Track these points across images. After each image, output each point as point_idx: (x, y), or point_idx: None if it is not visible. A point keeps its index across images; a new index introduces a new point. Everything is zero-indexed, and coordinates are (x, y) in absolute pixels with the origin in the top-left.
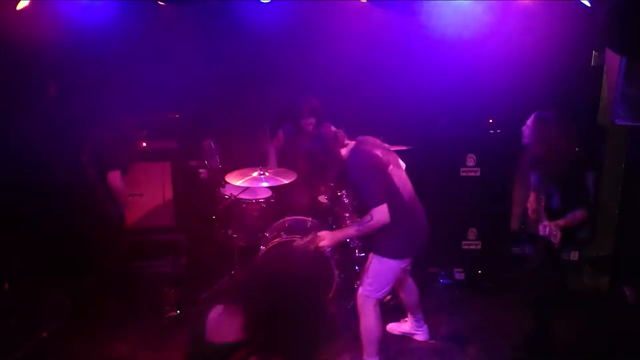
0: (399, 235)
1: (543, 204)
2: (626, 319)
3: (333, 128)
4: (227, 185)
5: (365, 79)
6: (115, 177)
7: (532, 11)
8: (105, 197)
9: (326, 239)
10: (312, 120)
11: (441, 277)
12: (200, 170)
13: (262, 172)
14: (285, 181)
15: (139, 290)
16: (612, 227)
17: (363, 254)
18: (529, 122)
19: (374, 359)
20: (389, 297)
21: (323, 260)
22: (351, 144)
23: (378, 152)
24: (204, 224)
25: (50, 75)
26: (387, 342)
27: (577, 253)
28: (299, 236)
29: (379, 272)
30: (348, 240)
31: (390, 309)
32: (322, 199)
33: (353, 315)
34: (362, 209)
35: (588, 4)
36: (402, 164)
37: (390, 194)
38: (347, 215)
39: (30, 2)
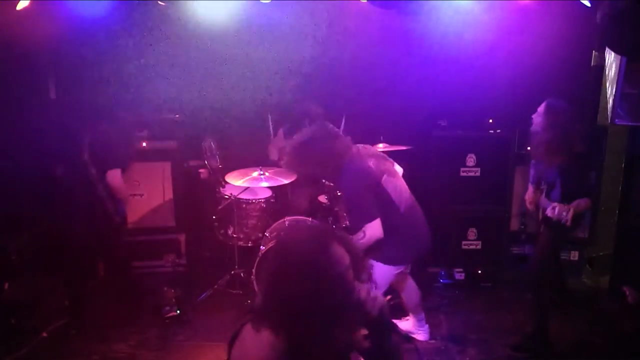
0: (396, 244)
1: (543, 194)
2: (626, 319)
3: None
4: (227, 185)
5: (365, 79)
6: (115, 176)
7: (532, 11)
8: (106, 195)
9: None
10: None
11: (441, 277)
12: (200, 170)
13: (262, 172)
14: (285, 181)
15: (139, 290)
16: (612, 227)
17: None
18: (540, 109)
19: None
20: (389, 297)
21: None
22: (344, 159)
23: (371, 164)
24: (204, 224)
25: (50, 75)
26: None
27: (577, 253)
28: None
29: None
30: None
31: (391, 309)
32: (322, 199)
33: None
34: (352, 227)
35: (588, 4)
36: (400, 170)
37: (384, 207)
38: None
39: (30, 2)
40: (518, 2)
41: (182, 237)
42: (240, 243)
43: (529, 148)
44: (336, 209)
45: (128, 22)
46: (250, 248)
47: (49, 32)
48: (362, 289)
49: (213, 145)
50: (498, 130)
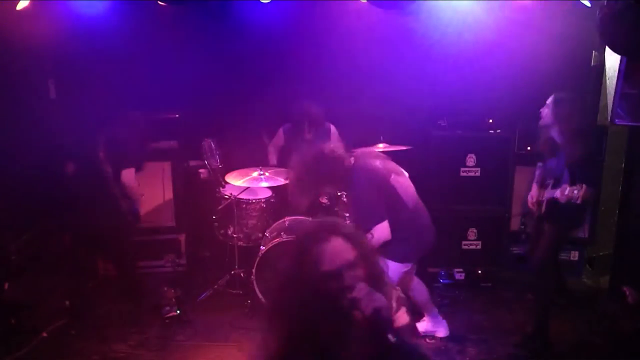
0: (405, 242)
1: (549, 188)
2: (626, 319)
3: (333, 128)
4: (227, 185)
5: (365, 79)
6: (129, 175)
7: (532, 11)
8: (120, 194)
9: None
10: (312, 129)
11: (441, 277)
12: (200, 170)
13: (262, 172)
14: (285, 181)
15: (140, 290)
16: (612, 227)
17: None
18: (549, 101)
19: None
20: (400, 294)
21: None
22: (350, 161)
23: (378, 164)
24: (204, 224)
25: (50, 75)
26: None
27: (577, 253)
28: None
29: None
30: None
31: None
32: (322, 199)
33: None
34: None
35: (588, 4)
36: (404, 172)
37: (393, 206)
38: (348, 215)
39: (30, 2)
40: (518, 2)
41: (182, 237)
42: (240, 243)
43: (529, 148)
44: (336, 209)
45: (127, 23)
46: (250, 248)
47: (49, 32)
48: (362, 288)
49: (213, 145)
50: (498, 130)
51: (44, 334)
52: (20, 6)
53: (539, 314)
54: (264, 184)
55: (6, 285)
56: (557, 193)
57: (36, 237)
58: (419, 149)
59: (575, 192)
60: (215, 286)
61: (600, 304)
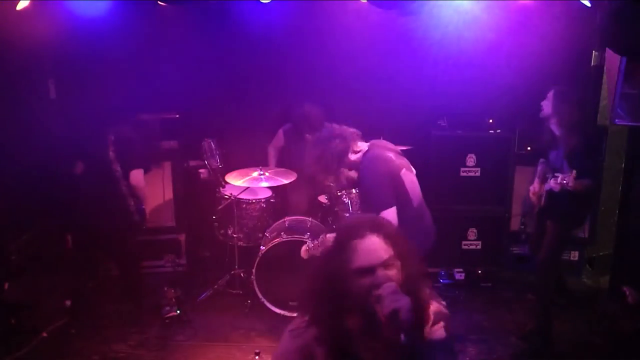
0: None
1: (549, 180)
2: (626, 319)
3: (346, 128)
4: (227, 185)
5: (365, 79)
6: (138, 176)
7: (532, 11)
8: (128, 194)
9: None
10: (312, 130)
11: (441, 277)
12: (200, 170)
13: (262, 172)
14: (285, 181)
15: (140, 290)
16: (612, 227)
17: None
18: (550, 94)
19: None
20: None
21: None
22: (364, 148)
23: (391, 155)
24: (204, 224)
25: (50, 75)
26: None
27: (577, 253)
28: (297, 236)
29: None
30: None
31: None
32: (322, 199)
33: None
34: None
35: (588, 4)
36: (413, 170)
37: (400, 199)
38: (348, 215)
39: (30, 2)
40: (518, 2)
41: (182, 237)
42: (240, 243)
43: (529, 148)
44: (336, 209)
45: (127, 23)
46: (250, 248)
47: (49, 32)
48: (388, 287)
49: (213, 145)
50: (498, 130)
51: (44, 334)
52: (20, 6)
53: (541, 314)
54: (264, 184)
55: (6, 285)
56: (551, 182)
57: (36, 237)
58: (419, 149)
59: (566, 179)
60: (215, 286)
61: (600, 304)
